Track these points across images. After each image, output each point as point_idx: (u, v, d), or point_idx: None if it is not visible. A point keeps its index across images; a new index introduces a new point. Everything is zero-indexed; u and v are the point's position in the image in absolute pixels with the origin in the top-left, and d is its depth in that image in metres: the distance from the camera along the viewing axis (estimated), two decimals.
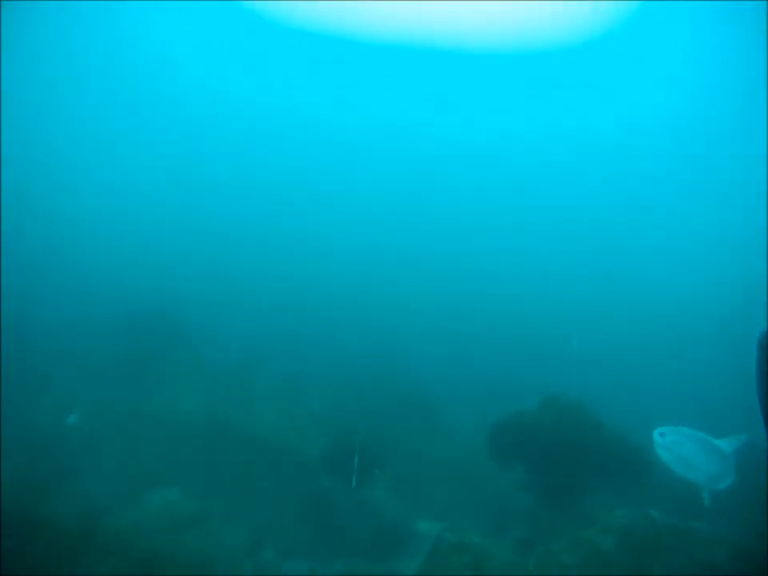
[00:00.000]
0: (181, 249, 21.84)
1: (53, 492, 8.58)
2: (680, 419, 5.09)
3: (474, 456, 10.00)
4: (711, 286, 29.61)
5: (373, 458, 10.28)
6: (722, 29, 26.81)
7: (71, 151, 32.67)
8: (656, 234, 35.69)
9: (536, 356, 14.95)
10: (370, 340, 15.80)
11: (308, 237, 27.00)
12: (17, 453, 9.12)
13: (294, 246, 25.20)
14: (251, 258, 22.18)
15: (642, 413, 8.37)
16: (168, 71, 34.35)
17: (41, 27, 27.24)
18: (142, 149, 35.55)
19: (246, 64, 35.82)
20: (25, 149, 28.79)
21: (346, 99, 38.57)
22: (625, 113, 36.37)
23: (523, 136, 39.06)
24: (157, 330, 13.17)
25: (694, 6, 26.18)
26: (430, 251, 27.61)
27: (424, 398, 12.93)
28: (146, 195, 29.38)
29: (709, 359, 18.04)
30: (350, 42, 33.14)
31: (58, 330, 12.59)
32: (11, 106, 29.54)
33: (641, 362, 16.82)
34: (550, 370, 13.14)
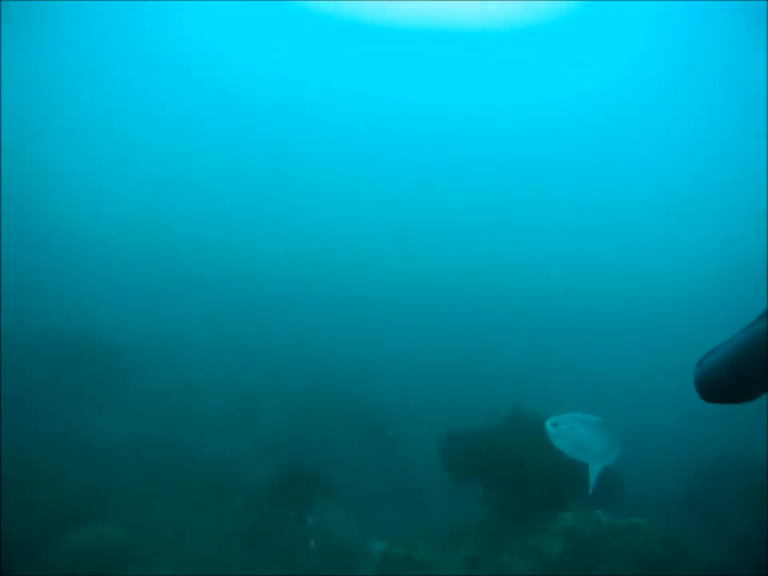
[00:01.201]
0: (128, 269, 21.00)
1: None
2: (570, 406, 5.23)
3: (427, 472, 9.85)
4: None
5: (322, 482, 9.98)
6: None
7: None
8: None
9: (491, 368, 15.11)
10: (318, 361, 15.49)
11: (255, 254, 26.64)
12: None
13: (243, 264, 24.74)
14: (203, 278, 21.60)
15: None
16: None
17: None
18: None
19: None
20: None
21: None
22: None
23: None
24: (92, 353, 12.46)
25: None
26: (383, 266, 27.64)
27: (376, 416, 12.71)
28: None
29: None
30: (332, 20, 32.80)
31: None
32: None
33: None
34: (505, 382, 13.22)
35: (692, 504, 8.32)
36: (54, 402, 10.79)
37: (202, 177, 37.93)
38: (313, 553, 8.69)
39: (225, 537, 8.79)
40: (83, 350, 12.42)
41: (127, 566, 7.93)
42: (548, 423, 4.86)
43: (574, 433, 4.81)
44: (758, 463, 9.19)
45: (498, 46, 34.42)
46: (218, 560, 8.40)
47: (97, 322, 14.22)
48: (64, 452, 9.55)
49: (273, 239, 30.77)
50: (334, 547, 8.66)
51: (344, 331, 17.54)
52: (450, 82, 38.21)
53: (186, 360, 14.27)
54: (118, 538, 8.23)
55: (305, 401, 13.04)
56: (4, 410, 9.71)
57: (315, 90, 38.96)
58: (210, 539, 8.79)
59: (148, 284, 19.90)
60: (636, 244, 36.36)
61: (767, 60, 25.90)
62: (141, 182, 34.88)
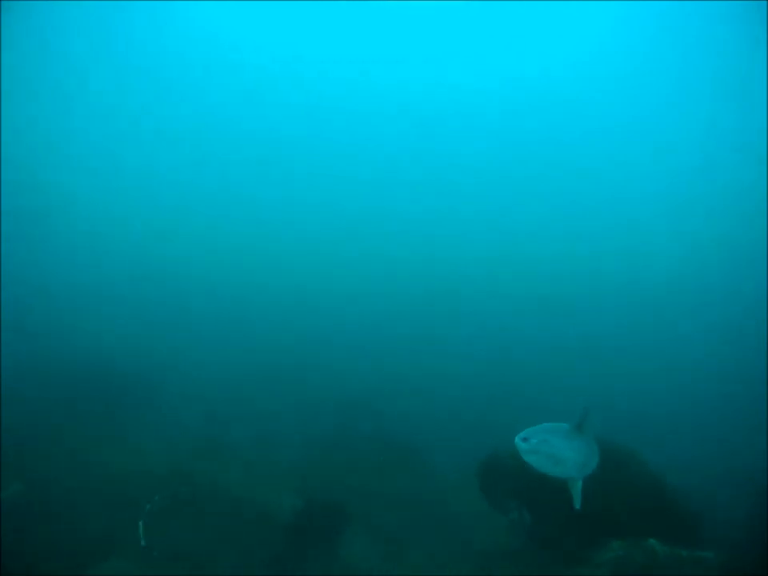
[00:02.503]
0: (150, 299, 21.03)
1: None
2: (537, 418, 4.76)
3: (461, 499, 9.38)
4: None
5: (347, 510, 9.57)
6: None
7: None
8: None
9: (524, 382, 14.69)
10: (342, 387, 15.17)
11: (276, 282, 26.55)
12: None
13: (262, 294, 24.66)
14: (221, 309, 21.54)
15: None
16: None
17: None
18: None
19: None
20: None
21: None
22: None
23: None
24: (110, 382, 12.33)
25: None
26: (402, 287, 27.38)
27: (404, 441, 12.27)
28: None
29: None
30: None
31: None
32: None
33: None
34: (540, 396, 12.77)
35: (759, 532, 7.71)
36: (69, 432, 10.61)
37: (214, 196, 38.33)
38: None
39: (246, 570, 8.39)
40: (101, 378, 12.31)
41: None
42: (517, 439, 4.38)
43: (547, 446, 4.35)
44: None
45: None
46: None
47: (114, 349, 14.17)
48: (81, 483, 9.31)
49: (292, 257, 30.80)
50: None
51: (367, 352, 17.24)
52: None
53: (204, 387, 14.04)
54: (138, 574, 7.92)
55: (328, 426, 12.70)
56: (20, 439, 9.56)
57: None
58: (231, 572, 8.40)
59: (165, 309, 19.90)
60: (636, 243, 35.70)
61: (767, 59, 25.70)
62: (158, 202, 35.34)
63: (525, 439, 4.38)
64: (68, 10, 27.38)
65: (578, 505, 4.51)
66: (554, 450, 4.41)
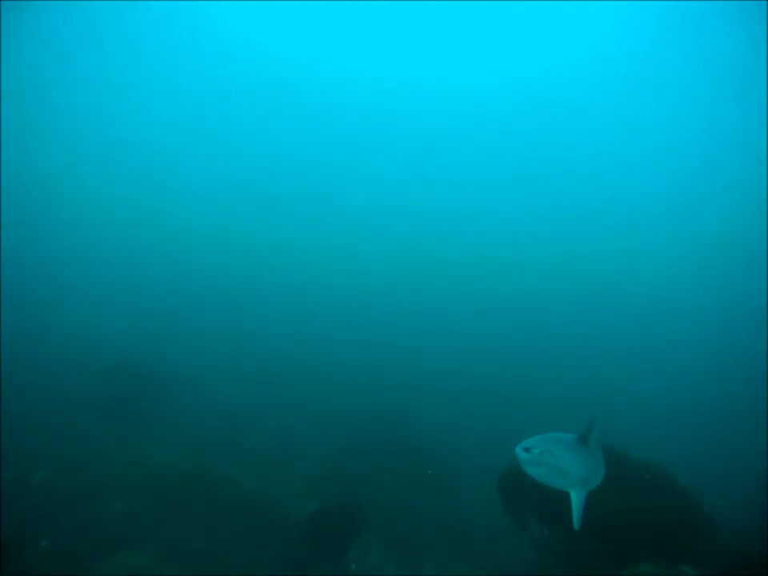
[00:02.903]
0: (177, 304, 21.39)
1: (9, 556, 7.66)
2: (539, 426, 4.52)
3: (482, 512, 9.07)
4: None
5: (364, 519, 9.38)
6: None
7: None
8: None
9: (545, 393, 14.34)
10: (364, 393, 15.01)
11: (298, 289, 26.69)
12: None
13: (285, 301, 24.79)
14: (246, 315, 21.73)
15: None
16: None
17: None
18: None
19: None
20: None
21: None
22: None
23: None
24: (138, 385, 12.52)
25: None
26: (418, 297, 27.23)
27: (425, 451, 11.99)
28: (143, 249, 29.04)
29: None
30: None
31: (34, 382, 11.97)
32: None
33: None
34: (561, 407, 12.37)
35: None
36: (94, 426, 10.78)
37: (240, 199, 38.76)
38: None
39: (258, 570, 8.27)
40: (126, 376, 12.52)
41: None
42: (518, 449, 4.09)
43: (549, 457, 4.05)
44: None
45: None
46: None
47: (141, 350, 14.41)
48: (102, 475, 9.41)
49: (315, 266, 30.96)
50: None
51: (390, 362, 17.07)
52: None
53: (231, 391, 14.10)
54: (149, 568, 7.91)
55: (349, 435, 12.56)
56: (46, 431, 9.75)
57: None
58: (243, 572, 8.30)
59: (194, 314, 20.16)
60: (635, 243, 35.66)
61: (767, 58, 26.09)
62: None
63: (527, 449, 4.09)
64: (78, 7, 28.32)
65: (577, 524, 4.14)
66: (558, 462, 4.11)
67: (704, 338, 23.58)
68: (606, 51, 33.74)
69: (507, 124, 40.70)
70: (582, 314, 25.54)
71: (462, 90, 39.86)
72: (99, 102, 36.61)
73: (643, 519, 6.28)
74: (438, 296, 27.42)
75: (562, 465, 4.11)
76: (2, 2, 22.57)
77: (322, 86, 40.29)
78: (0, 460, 9.49)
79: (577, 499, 4.22)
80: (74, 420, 11.25)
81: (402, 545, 8.94)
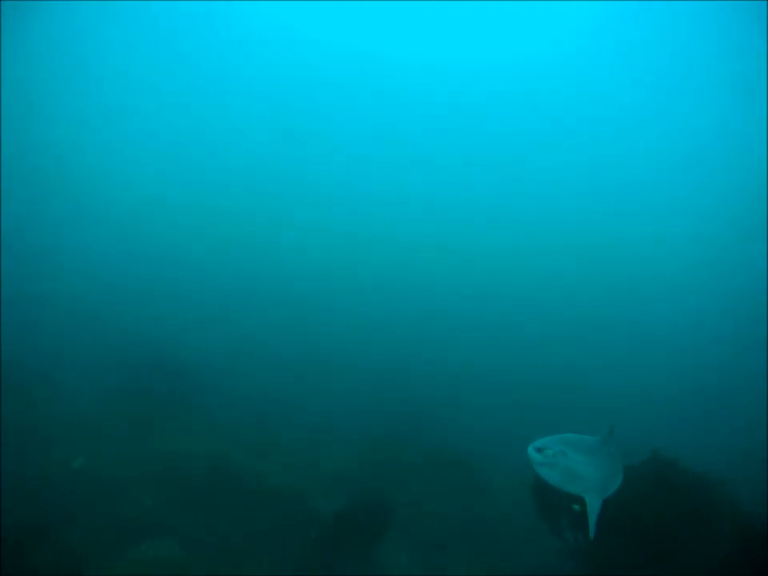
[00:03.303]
0: (202, 297, 21.90)
1: (48, 540, 7.96)
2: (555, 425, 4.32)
3: (512, 514, 8.74)
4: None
5: (392, 519, 9.20)
6: None
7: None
8: None
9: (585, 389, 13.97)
10: (392, 390, 14.89)
11: (330, 284, 26.82)
12: (19, 498, 8.63)
13: (316, 294, 24.92)
14: (275, 309, 21.95)
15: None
16: None
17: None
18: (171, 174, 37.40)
19: None
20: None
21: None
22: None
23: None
24: (167, 378, 12.85)
25: None
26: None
27: (455, 451, 11.70)
28: (166, 243, 29.50)
29: None
30: None
31: (63, 374, 12.49)
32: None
33: None
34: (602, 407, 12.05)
35: None
36: (130, 418, 11.10)
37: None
38: None
39: (282, 567, 8.23)
40: (161, 369, 12.87)
41: None
42: (531, 449, 3.85)
43: (564, 459, 3.81)
44: None
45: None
46: None
47: (174, 342, 14.78)
48: (136, 467, 9.66)
49: (353, 261, 31.19)
50: None
51: (424, 357, 16.91)
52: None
53: (259, 383, 14.25)
54: (176, 557, 8.01)
55: (380, 432, 12.44)
56: (84, 420, 10.12)
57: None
58: (268, 569, 8.28)
59: (227, 309, 20.57)
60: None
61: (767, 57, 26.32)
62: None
63: (539, 449, 3.86)
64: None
65: (593, 532, 3.92)
66: (573, 465, 3.88)
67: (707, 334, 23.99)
68: (605, 45, 34.28)
69: (509, 115, 40.72)
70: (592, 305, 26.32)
71: (460, 80, 40.18)
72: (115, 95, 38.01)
73: (680, 529, 5.85)
74: (462, 291, 27.53)
75: (576, 468, 3.90)
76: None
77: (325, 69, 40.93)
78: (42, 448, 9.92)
79: (592, 505, 4.00)
80: (106, 411, 11.61)
81: (429, 545, 8.72)
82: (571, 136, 40.19)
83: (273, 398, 13.79)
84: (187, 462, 10.09)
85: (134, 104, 38.99)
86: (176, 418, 11.65)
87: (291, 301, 23.07)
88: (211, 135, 41.62)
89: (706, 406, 16.27)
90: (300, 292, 24.71)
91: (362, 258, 31.72)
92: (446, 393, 14.59)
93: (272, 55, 40.14)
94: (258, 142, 42.15)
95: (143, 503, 9.14)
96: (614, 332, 23.64)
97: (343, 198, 39.70)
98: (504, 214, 38.37)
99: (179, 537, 8.44)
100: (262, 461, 10.76)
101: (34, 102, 31.94)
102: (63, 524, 8.38)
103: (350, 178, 41.51)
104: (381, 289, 26.38)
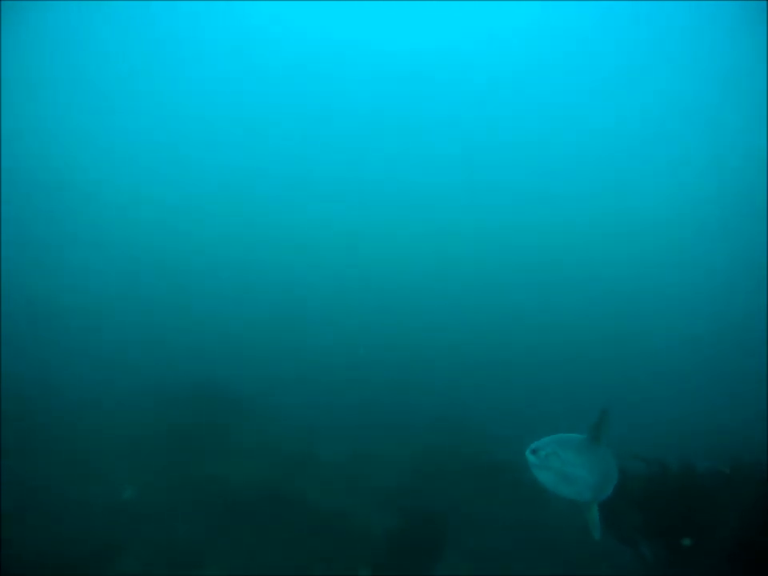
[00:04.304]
0: (244, 319, 21.94)
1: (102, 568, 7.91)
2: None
3: (573, 525, 8.25)
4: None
5: (446, 533, 8.82)
6: None
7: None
8: None
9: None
10: (442, 405, 14.53)
11: (372, 302, 26.65)
12: (65, 526, 8.61)
13: (359, 313, 24.76)
14: (315, 327, 21.86)
15: None
16: None
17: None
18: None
19: None
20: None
21: None
22: None
23: None
24: (212, 401, 12.83)
25: None
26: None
27: (495, 458, 11.26)
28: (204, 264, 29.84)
29: None
30: None
31: (112, 400, 12.57)
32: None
33: None
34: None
35: None
36: (174, 443, 11.05)
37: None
38: None
39: None
40: (201, 393, 12.86)
41: None
42: (527, 452, 3.72)
43: (557, 461, 3.69)
44: None
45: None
46: None
47: (213, 364, 14.77)
48: (184, 491, 9.57)
49: (396, 269, 31.15)
50: None
51: (469, 368, 16.59)
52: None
53: (302, 401, 14.08)
54: None
55: (427, 443, 12.09)
56: (133, 446, 10.08)
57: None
58: None
59: (265, 326, 20.57)
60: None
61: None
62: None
63: (534, 451, 3.72)
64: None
65: (597, 535, 3.76)
66: (565, 466, 3.72)
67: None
68: (604, 50, 35.21)
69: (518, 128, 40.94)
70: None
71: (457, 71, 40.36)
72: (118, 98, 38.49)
73: None
74: (475, 289, 27.45)
75: (568, 470, 3.74)
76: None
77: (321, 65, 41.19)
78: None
79: (589, 509, 3.84)
80: (153, 438, 11.60)
81: (489, 560, 8.30)
82: (570, 137, 40.50)
83: (318, 413, 13.63)
84: (235, 488, 9.94)
85: (138, 107, 39.87)
86: (224, 442, 11.57)
87: (337, 317, 22.99)
88: (223, 137, 42.29)
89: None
90: (332, 306, 24.67)
91: (384, 259, 31.70)
92: (475, 397, 14.32)
93: (270, 49, 40.75)
94: (270, 143, 42.72)
95: (193, 531, 9.01)
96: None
97: (365, 196, 39.86)
98: (514, 205, 38.28)
99: (230, 567, 8.26)
100: (310, 481, 10.52)
101: (34, 101, 32.73)
102: (114, 554, 8.32)
103: (357, 173, 41.75)
104: (399, 292, 26.20)
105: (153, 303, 21.61)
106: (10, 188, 25.02)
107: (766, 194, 29.44)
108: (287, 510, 9.53)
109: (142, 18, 35.48)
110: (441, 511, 9.14)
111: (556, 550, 8.17)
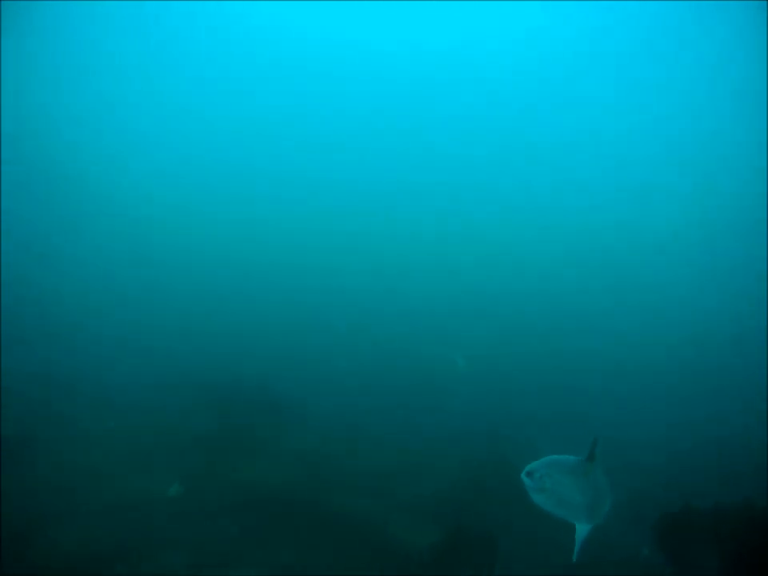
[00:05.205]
0: (280, 321, 21.90)
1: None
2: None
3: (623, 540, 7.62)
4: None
5: (496, 551, 8.26)
6: None
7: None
8: None
9: None
10: (487, 415, 13.99)
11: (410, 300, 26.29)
12: (110, 521, 8.53)
13: (389, 319, 24.36)
14: (348, 331, 21.59)
15: None
16: None
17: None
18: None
19: None
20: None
21: None
22: None
23: None
24: (248, 403, 12.74)
25: None
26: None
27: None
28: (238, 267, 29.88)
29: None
30: None
31: (148, 401, 12.64)
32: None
33: None
34: None
35: None
36: (219, 443, 10.97)
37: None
38: None
39: None
40: (237, 395, 12.80)
41: None
42: (523, 475, 3.71)
43: (550, 483, 3.65)
44: None
45: None
46: None
47: (248, 367, 14.69)
48: (225, 491, 9.41)
49: (449, 273, 30.73)
50: None
51: (516, 376, 16.07)
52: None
53: (338, 405, 13.81)
54: None
55: (472, 456, 11.57)
56: (179, 445, 9.98)
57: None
58: None
59: (299, 329, 20.51)
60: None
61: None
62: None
63: (529, 473, 3.73)
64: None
65: (575, 557, 3.84)
66: (558, 488, 3.71)
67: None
68: (604, 45, 35.20)
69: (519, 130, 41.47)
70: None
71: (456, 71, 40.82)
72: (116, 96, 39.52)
73: None
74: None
75: (561, 492, 3.73)
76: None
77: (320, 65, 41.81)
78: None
79: (580, 532, 3.85)
80: (189, 439, 11.53)
81: None
82: (570, 137, 40.56)
83: (358, 417, 13.37)
84: (271, 493, 9.68)
85: (146, 109, 40.97)
86: (253, 445, 11.39)
87: (381, 325, 22.77)
88: (243, 142, 43.14)
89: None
90: (364, 311, 24.49)
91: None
92: (518, 408, 13.79)
93: (271, 51, 41.46)
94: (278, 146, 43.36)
95: (228, 532, 8.79)
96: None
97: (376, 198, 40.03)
98: (514, 208, 38.42)
99: (264, 570, 7.97)
100: (349, 489, 10.17)
101: (34, 103, 33.86)
102: (158, 551, 8.15)
103: (391, 175, 41.97)
104: (429, 299, 25.91)
105: (189, 306, 21.93)
106: (9, 188, 25.76)
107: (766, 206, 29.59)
108: (325, 519, 9.18)
109: (152, 20, 36.57)
110: (488, 528, 8.60)
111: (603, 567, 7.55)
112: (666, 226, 36.01)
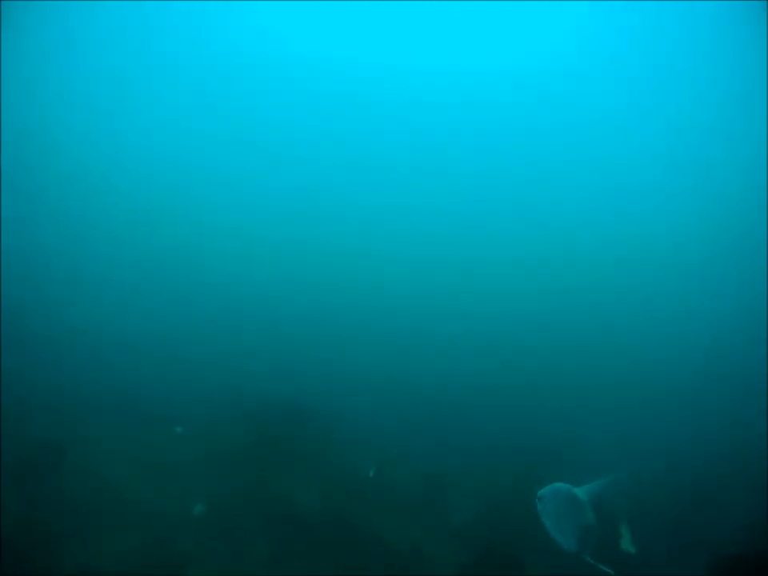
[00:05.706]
0: (315, 338, 21.74)
1: None
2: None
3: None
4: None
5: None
6: None
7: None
8: None
9: None
10: (519, 434, 13.67)
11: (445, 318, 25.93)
12: (136, 539, 8.43)
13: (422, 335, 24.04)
14: (383, 348, 21.33)
15: None
16: None
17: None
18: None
19: None
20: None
21: None
22: None
23: None
24: (283, 420, 12.68)
25: None
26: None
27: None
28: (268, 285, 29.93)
29: None
30: None
31: (186, 416, 12.62)
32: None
33: None
34: None
35: None
36: (248, 462, 10.86)
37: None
38: None
39: None
40: (273, 411, 12.70)
41: None
42: (536, 498, 4.02)
43: (558, 510, 3.81)
44: None
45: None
46: None
47: (283, 383, 14.57)
48: (253, 509, 9.33)
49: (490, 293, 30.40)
50: None
51: (546, 400, 15.72)
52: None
53: (376, 431, 13.54)
54: None
55: (501, 479, 11.25)
56: (203, 464, 9.89)
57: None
58: None
59: (334, 346, 20.33)
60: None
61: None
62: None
63: (540, 499, 3.96)
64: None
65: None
66: (561, 517, 3.83)
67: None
68: (603, 45, 34.82)
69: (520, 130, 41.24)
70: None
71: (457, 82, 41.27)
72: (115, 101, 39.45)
73: None
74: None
75: (563, 521, 3.82)
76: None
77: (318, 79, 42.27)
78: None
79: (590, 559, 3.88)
80: (226, 453, 11.42)
81: None
82: (569, 137, 40.48)
83: (389, 437, 13.17)
84: (299, 513, 9.52)
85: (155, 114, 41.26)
86: (287, 461, 11.26)
87: (411, 346, 22.56)
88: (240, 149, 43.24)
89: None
90: (398, 328, 24.29)
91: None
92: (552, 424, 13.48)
93: (274, 54, 41.67)
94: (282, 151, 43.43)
95: (257, 553, 8.62)
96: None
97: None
98: (510, 221, 38.20)
99: None
100: (379, 511, 9.95)
101: (34, 103, 34.10)
102: (181, 569, 8.01)
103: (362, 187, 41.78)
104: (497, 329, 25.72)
105: (215, 317, 21.99)
106: (9, 189, 25.96)
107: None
108: (356, 542, 8.95)
109: (152, 21, 36.98)
110: (515, 549, 8.29)
111: None
112: (666, 234, 36.18)
